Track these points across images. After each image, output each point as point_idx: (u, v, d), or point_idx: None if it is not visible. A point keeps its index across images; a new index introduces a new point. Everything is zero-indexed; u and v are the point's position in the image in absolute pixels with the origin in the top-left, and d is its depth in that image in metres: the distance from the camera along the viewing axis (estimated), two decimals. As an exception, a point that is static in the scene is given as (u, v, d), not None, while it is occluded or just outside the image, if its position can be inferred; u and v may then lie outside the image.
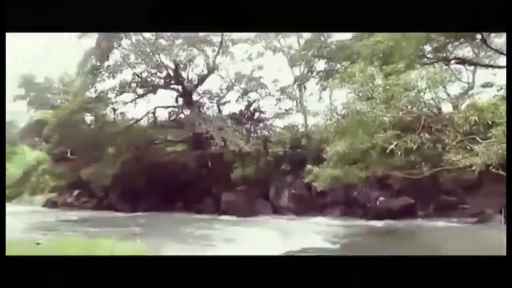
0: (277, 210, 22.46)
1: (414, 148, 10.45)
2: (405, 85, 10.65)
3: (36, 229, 16.25)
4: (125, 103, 27.05)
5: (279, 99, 26.28)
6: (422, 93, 11.26)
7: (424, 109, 11.85)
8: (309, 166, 17.11)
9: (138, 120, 27.73)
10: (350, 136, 12.51)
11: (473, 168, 9.49)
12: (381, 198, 19.93)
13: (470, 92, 19.99)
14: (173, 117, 27.59)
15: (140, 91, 26.61)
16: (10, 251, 6.72)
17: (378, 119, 10.56)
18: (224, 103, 27.23)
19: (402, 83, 10.62)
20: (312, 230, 15.30)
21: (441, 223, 16.83)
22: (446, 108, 15.84)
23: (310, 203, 21.78)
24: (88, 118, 29.50)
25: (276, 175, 23.53)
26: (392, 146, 10.50)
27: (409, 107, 11.46)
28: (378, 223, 17.59)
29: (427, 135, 10.51)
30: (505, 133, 9.32)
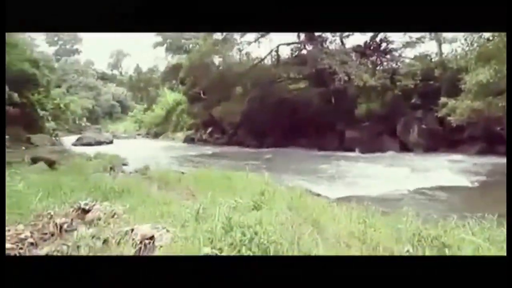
0: (405, 147, 21.37)
1: None
2: None
3: (179, 161, 18.46)
4: (249, 43, 27.70)
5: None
6: None
7: None
8: (443, 99, 15.64)
9: (262, 59, 28.31)
10: (495, 63, 10.91)
11: None
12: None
13: None
14: (295, 54, 27.43)
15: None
16: (161, 181, 7.79)
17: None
18: (347, 36, 25.89)
19: None
20: (445, 168, 14.26)
21: None
22: None
23: (443, 139, 20.15)
24: (217, 59, 31.21)
25: (404, 109, 22.08)
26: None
27: None
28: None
29: None
30: None
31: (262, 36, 27.02)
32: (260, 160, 18.10)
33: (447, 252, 2.72)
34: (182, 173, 9.65)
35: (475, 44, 11.79)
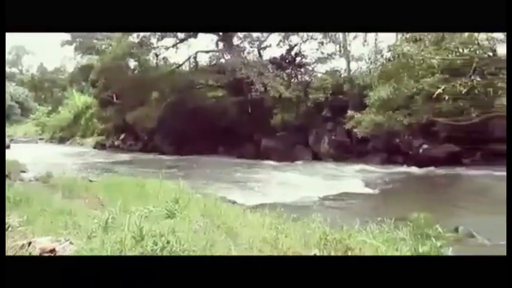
0: (317, 157, 22.53)
1: (463, 92, 9.96)
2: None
3: (87, 168, 17.35)
4: (167, 48, 27.19)
5: (322, 43, 25.38)
6: (476, 34, 10.49)
7: (477, 51, 11.10)
8: (350, 112, 16.85)
9: (180, 65, 27.94)
10: (394, 81, 12.06)
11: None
12: (425, 146, 19.38)
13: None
14: (214, 62, 27.54)
15: (181, 35, 26.54)
16: (65, 189, 7.23)
17: (426, 62, 10.06)
18: (265, 48, 26.71)
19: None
20: (351, 176, 15.32)
21: (485, 172, 16.28)
22: (502, 49, 14.66)
23: (350, 150, 21.63)
24: (132, 63, 30.08)
25: (316, 121, 23.34)
26: (439, 91, 10.06)
27: (461, 49, 10.76)
28: (419, 171, 17.29)
29: (478, 79, 9.94)
30: None
31: (180, 41, 26.73)
32: (176, 168, 17.76)
33: (350, 254, 2.92)
34: (90, 180, 9.06)
35: (378, 63, 12.94)
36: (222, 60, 26.93)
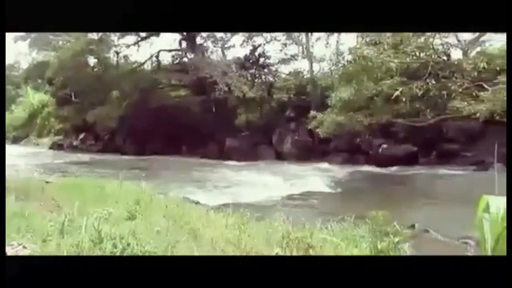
0: (280, 156, 22.73)
1: (419, 94, 10.37)
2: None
3: (43, 169, 16.63)
4: (128, 46, 26.55)
5: (285, 44, 25.66)
6: (431, 39, 10.97)
7: (433, 55, 11.60)
8: (313, 112, 17.14)
9: (142, 64, 27.35)
10: (355, 82, 12.38)
11: (477, 115, 9.47)
12: (384, 146, 20.04)
13: (481, 39, 19.35)
14: (176, 61, 27.17)
15: (143, 33, 26.00)
16: (19, 191, 6.90)
17: (385, 64, 10.40)
18: (228, 48, 26.68)
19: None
20: (314, 176, 15.56)
21: (441, 171, 17.05)
22: (456, 54, 15.44)
23: (313, 150, 21.98)
24: (91, 60, 29.11)
25: (280, 121, 23.55)
26: (397, 93, 10.44)
27: (418, 53, 11.20)
28: (379, 170, 17.84)
29: (433, 82, 10.39)
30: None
31: (142, 39, 26.18)
32: (138, 168, 17.36)
33: (311, 252, 2.97)
34: (47, 182, 8.68)
35: (339, 65, 13.25)
36: (185, 59, 26.63)
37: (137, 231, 3.23)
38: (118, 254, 2.64)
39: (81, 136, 30.66)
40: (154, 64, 27.58)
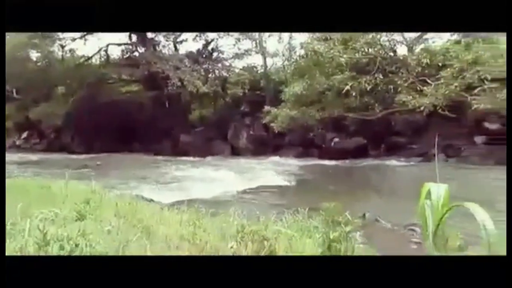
0: (235, 151, 22.75)
1: (368, 89, 10.75)
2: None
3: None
4: (74, 39, 25.35)
5: (238, 39, 25.59)
6: (378, 36, 11.38)
7: (380, 51, 12.05)
8: (267, 107, 17.29)
9: (89, 58, 26.24)
10: (307, 77, 12.61)
11: (422, 108, 9.97)
12: (336, 139, 20.65)
13: (425, 36, 20.37)
14: (126, 55, 26.32)
15: (90, 26, 24.88)
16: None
17: (335, 60, 10.67)
18: (180, 42, 26.19)
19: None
20: (269, 170, 15.73)
21: (390, 162, 17.85)
22: (401, 50, 16.16)
23: (267, 144, 22.19)
24: (34, 55, 27.51)
25: (234, 116, 23.55)
26: (347, 87, 10.74)
27: (366, 48, 11.59)
28: (332, 162, 18.35)
29: (381, 77, 10.81)
30: (454, 75, 9.77)
31: (89, 32, 25.09)
32: (88, 167, 16.70)
33: (266, 244, 3.00)
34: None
35: (292, 60, 13.43)
36: (136, 54, 25.86)
37: (87, 232, 3.11)
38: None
39: (24, 134, 28.98)
40: (102, 59, 26.56)
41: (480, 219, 1.39)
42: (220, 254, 2.93)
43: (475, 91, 9.73)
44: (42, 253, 2.52)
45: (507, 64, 4.00)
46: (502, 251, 1.56)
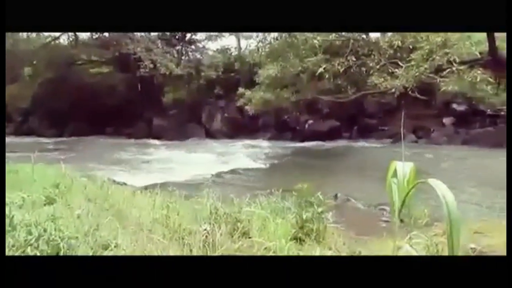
0: (210, 134, 22.63)
1: (341, 71, 10.83)
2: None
3: None
4: (40, 18, 24.26)
5: (212, 20, 25.12)
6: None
7: (353, 34, 12.12)
8: (241, 90, 17.19)
9: (56, 38, 25.23)
10: (281, 60, 12.58)
11: (393, 90, 10.15)
12: (310, 121, 20.84)
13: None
14: (96, 36, 25.44)
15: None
16: None
17: (308, 42, 10.66)
18: (152, 22, 25.48)
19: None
20: (243, 153, 15.77)
21: (362, 144, 18.22)
22: (374, 33, 16.28)
23: (242, 127, 22.17)
24: (-4, 34, 26.21)
25: (208, 99, 23.33)
26: (321, 69, 10.78)
27: (339, 31, 11.62)
28: (306, 144, 18.57)
29: (354, 59, 10.90)
30: (424, 57, 9.98)
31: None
32: (57, 151, 16.28)
33: (239, 226, 3.02)
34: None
35: (266, 42, 13.35)
36: (106, 34, 25.03)
37: (57, 216, 3.05)
38: (33, 241, 2.47)
39: (-11, 117, 27.80)
40: (71, 39, 25.60)
41: (441, 193, 1.43)
42: (193, 236, 2.93)
43: (444, 73, 9.99)
44: (9, 239, 2.45)
45: (507, 64, 4.05)
46: (462, 226, 1.61)
